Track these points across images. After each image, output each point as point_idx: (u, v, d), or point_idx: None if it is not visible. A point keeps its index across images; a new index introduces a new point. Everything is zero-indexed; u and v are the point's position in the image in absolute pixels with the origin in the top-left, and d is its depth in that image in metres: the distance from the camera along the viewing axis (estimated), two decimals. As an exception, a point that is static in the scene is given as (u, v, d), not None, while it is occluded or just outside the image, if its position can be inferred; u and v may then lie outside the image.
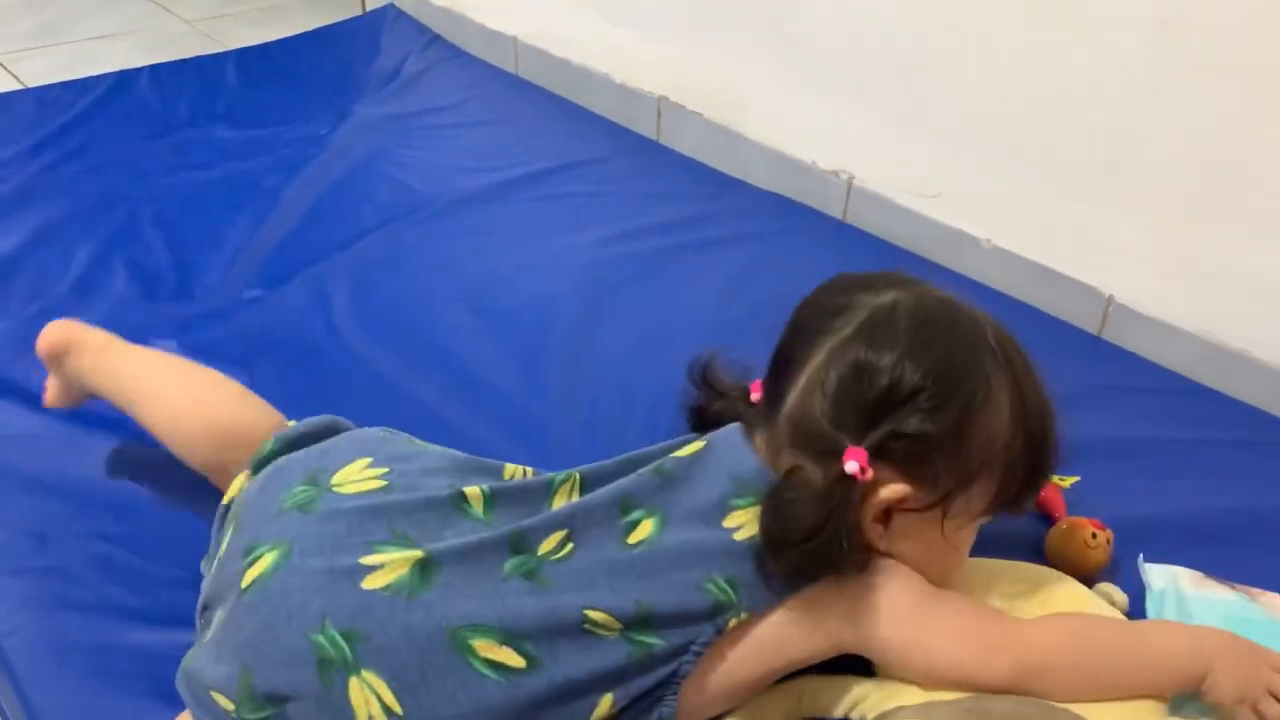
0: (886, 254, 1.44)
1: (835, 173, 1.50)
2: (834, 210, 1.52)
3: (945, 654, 0.70)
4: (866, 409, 0.69)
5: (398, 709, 0.63)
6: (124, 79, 1.82)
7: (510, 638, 0.65)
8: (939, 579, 0.74)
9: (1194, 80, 1.15)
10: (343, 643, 0.64)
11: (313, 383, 1.13)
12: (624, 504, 0.72)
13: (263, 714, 0.64)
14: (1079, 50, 1.23)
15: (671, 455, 0.76)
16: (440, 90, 1.85)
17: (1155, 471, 1.07)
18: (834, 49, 1.47)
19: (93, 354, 0.94)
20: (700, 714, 0.72)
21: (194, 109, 1.74)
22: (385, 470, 0.74)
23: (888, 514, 0.72)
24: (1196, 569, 0.93)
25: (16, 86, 1.86)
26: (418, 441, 0.82)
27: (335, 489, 0.72)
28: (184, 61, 1.90)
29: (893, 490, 0.70)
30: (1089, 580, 0.90)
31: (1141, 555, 0.93)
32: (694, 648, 0.68)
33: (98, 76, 1.82)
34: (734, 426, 0.78)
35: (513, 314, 1.26)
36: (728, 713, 0.73)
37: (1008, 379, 0.73)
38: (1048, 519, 0.98)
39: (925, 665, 0.71)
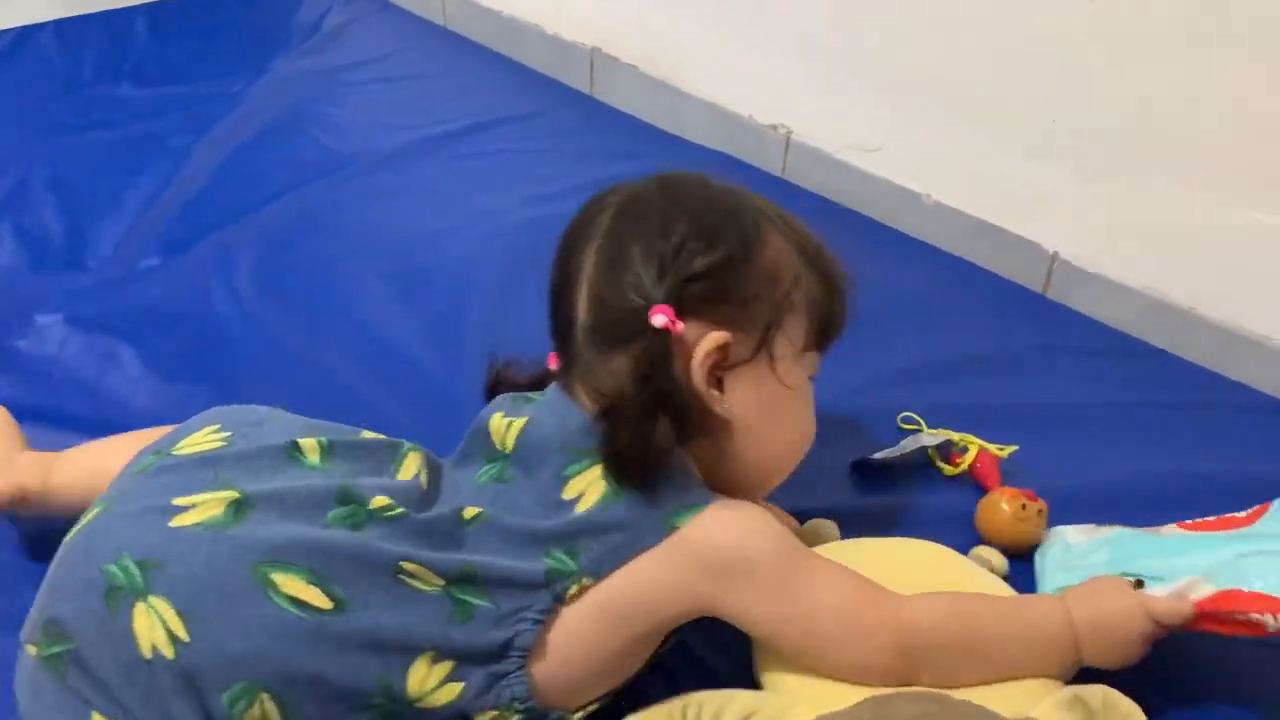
0: (826, 210, 1.38)
1: (774, 127, 1.44)
2: (773, 166, 1.45)
3: (825, 639, 0.67)
4: (649, 276, 0.69)
5: (184, 636, 0.60)
6: (25, 34, 1.71)
7: (318, 578, 0.62)
8: (789, 431, 0.75)
9: (1138, 36, 1.10)
10: (135, 570, 0.61)
11: (209, 358, 1.06)
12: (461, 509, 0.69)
13: (54, 649, 0.62)
14: (1027, 3, 1.17)
15: (502, 449, 0.71)
16: (364, 44, 1.77)
17: (1098, 437, 1.03)
18: (770, -3, 1.41)
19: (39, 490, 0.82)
20: (569, 694, 0.67)
21: (99, 66, 1.64)
22: (230, 434, 0.70)
23: (718, 376, 0.70)
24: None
25: (-89, 43, 1.75)
26: (285, 414, 0.76)
27: (174, 453, 0.69)
28: (90, 16, 1.79)
29: (712, 339, 0.69)
30: (1022, 554, 0.86)
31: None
32: (528, 614, 0.65)
33: (-2, 31, 1.71)
34: (551, 388, 0.74)
35: (429, 281, 1.19)
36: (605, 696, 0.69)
37: (775, 222, 0.75)
38: (981, 489, 0.94)
39: (800, 644, 0.68)
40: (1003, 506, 0.88)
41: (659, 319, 0.67)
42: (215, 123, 1.48)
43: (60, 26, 1.74)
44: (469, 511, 0.67)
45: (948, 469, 0.97)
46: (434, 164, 1.45)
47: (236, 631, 0.60)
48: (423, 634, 0.63)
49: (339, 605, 0.61)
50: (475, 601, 0.64)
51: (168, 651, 0.59)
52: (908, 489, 0.95)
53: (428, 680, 0.63)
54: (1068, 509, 0.93)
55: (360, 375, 1.05)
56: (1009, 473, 0.96)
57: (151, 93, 1.57)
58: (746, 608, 0.67)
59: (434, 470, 0.73)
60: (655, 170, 1.51)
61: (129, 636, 0.60)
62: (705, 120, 1.51)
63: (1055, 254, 1.22)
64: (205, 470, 0.66)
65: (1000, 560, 0.86)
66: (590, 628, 0.66)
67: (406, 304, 1.15)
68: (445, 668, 0.63)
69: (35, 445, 0.88)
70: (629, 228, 0.71)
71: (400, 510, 0.66)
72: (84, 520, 0.67)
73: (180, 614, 0.60)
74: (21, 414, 0.96)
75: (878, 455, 0.96)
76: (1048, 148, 1.21)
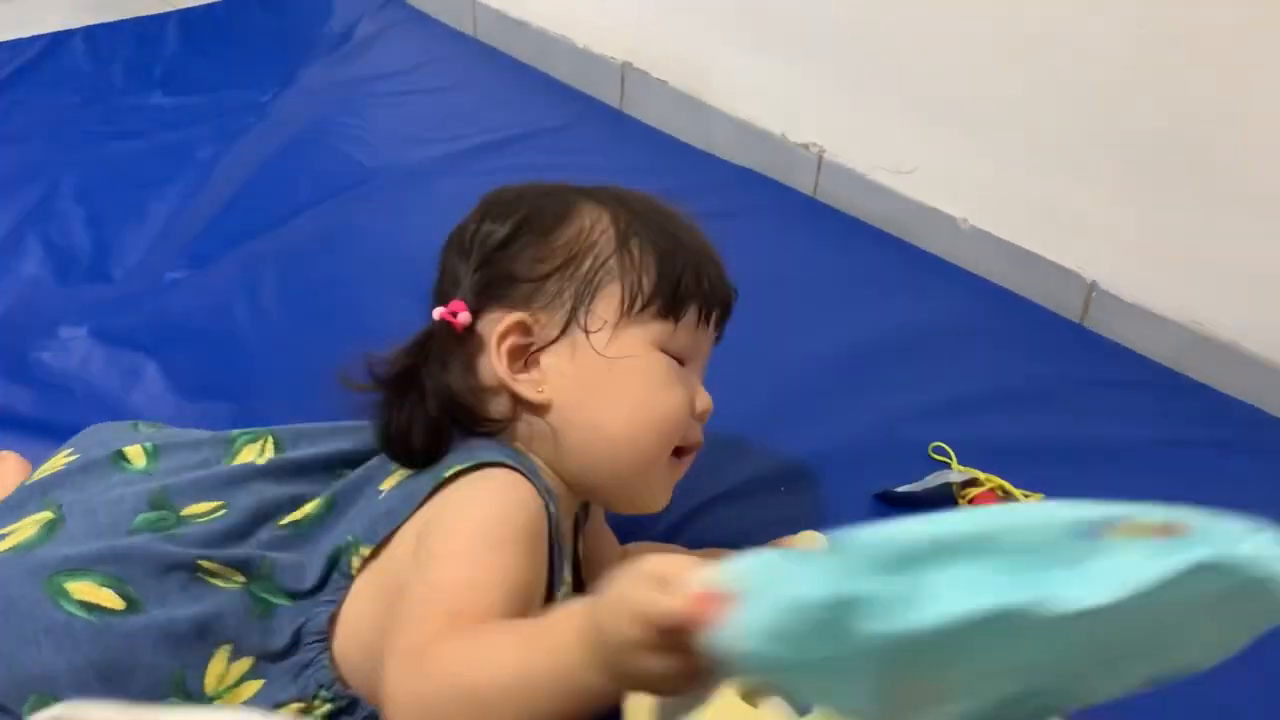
0: (857, 231, 1.36)
1: (805, 146, 1.42)
2: (804, 185, 1.43)
3: (403, 614, 0.58)
4: (460, 269, 0.71)
5: None
6: (56, 41, 1.71)
7: (113, 580, 0.61)
8: (619, 404, 0.69)
9: (1182, 64, 1.08)
10: None
11: (233, 373, 1.05)
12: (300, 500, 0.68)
13: None
14: (1067, 26, 1.15)
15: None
16: (394, 54, 1.76)
17: (1134, 474, 1.01)
18: (805, 15, 1.38)
19: None
20: (375, 677, 0.59)
21: (129, 73, 1.64)
22: (77, 456, 0.72)
23: (524, 357, 0.69)
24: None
25: (-58, 48, 1.75)
26: (144, 426, 0.78)
27: (30, 480, 0.71)
28: (121, 23, 1.79)
29: (505, 321, 0.68)
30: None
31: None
32: (323, 596, 0.63)
33: (28, 39, 1.71)
34: None
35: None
36: None
37: (603, 198, 0.73)
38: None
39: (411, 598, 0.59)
40: None
41: (436, 311, 0.69)
42: (243, 133, 1.47)
43: (90, 33, 1.74)
44: (307, 506, 0.67)
45: (963, 504, 0.94)
46: (462, 178, 1.43)
47: (25, 646, 0.60)
48: (220, 628, 0.62)
49: (132, 605, 0.61)
50: (274, 600, 0.63)
51: None
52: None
53: (225, 678, 0.62)
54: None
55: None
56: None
57: (180, 101, 1.56)
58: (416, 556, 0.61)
59: (280, 450, 0.72)
60: (681, 186, 1.51)
61: None
62: (735, 137, 1.49)
63: (1094, 283, 1.20)
64: (38, 494, 0.68)
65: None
66: (374, 600, 0.63)
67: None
68: (244, 664, 0.62)
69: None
70: (452, 234, 0.75)
71: (217, 515, 0.66)
72: None
73: None
74: (43, 428, 0.95)
75: (902, 488, 0.94)
76: (1088, 174, 1.18)
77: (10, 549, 0.64)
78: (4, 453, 0.90)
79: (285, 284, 1.18)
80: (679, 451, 0.72)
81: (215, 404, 1.00)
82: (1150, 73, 1.10)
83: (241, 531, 0.65)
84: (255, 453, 0.71)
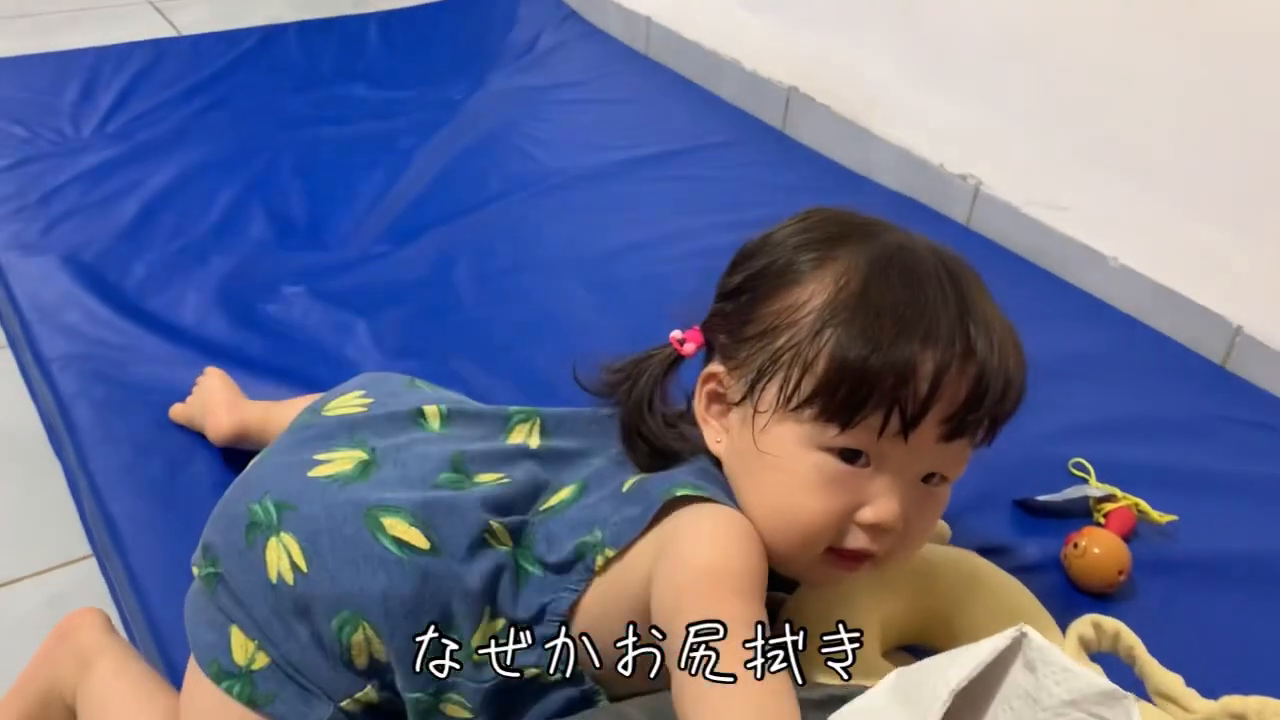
0: (1009, 262, 1.42)
1: (963, 177, 1.49)
2: (958, 215, 1.50)
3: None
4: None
5: (304, 568, 0.69)
6: (271, 33, 1.89)
7: (419, 522, 0.69)
8: (765, 495, 0.67)
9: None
10: (273, 510, 0.71)
11: (428, 337, 1.17)
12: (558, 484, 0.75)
13: (208, 570, 0.73)
14: (1235, 70, 1.19)
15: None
16: (572, 66, 1.88)
17: (1260, 507, 1.04)
18: (968, 49, 1.45)
19: (259, 430, 0.95)
20: (606, 662, 0.68)
21: (336, 66, 1.80)
22: (371, 400, 0.80)
23: (721, 404, 0.70)
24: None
25: (172, 33, 1.94)
26: (420, 384, 0.86)
27: (324, 413, 0.79)
28: (329, 20, 1.96)
29: (707, 369, 0.71)
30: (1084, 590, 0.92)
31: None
32: (567, 585, 0.69)
33: (247, 29, 1.89)
34: None
35: (624, 291, 1.28)
36: None
37: (850, 265, 0.66)
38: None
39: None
40: (1067, 544, 0.94)
41: (674, 333, 0.74)
42: (437, 128, 1.61)
43: (302, 28, 1.92)
44: (563, 491, 0.73)
45: (1099, 518, 1.00)
46: (631, 184, 1.54)
47: (347, 565, 0.68)
48: (491, 587, 0.68)
49: (434, 548, 0.68)
50: (530, 569, 0.70)
51: (289, 579, 0.68)
52: (1061, 530, 0.98)
53: (489, 631, 0.69)
54: (1236, 574, 0.96)
55: (560, 371, 1.13)
56: (1169, 533, 0.99)
57: (381, 95, 1.71)
58: (655, 579, 0.64)
59: (546, 435, 0.78)
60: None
61: (262, 565, 0.69)
62: (894, 164, 1.56)
63: (1239, 327, 1.24)
64: (345, 432, 0.76)
65: (944, 528, 0.90)
66: (608, 600, 0.68)
67: (603, 311, 1.24)
68: (499, 624, 0.69)
69: (277, 398, 1.00)
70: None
71: (501, 480, 0.73)
72: (250, 465, 0.78)
73: (303, 549, 0.69)
74: (269, 370, 1.09)
75: (1041, 498, 1.01)
76: (1239, 220, 1.22)
77: (330, 478, 0.72)
78: (209, 369, 1.03)
79: (474, 265, 1.31)
80: (841, 553, 0.67)
81: (416, 362, 1.12)
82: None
83: (518, 504, 0.72)
84: (526, 433, 0.78)
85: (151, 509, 0.93)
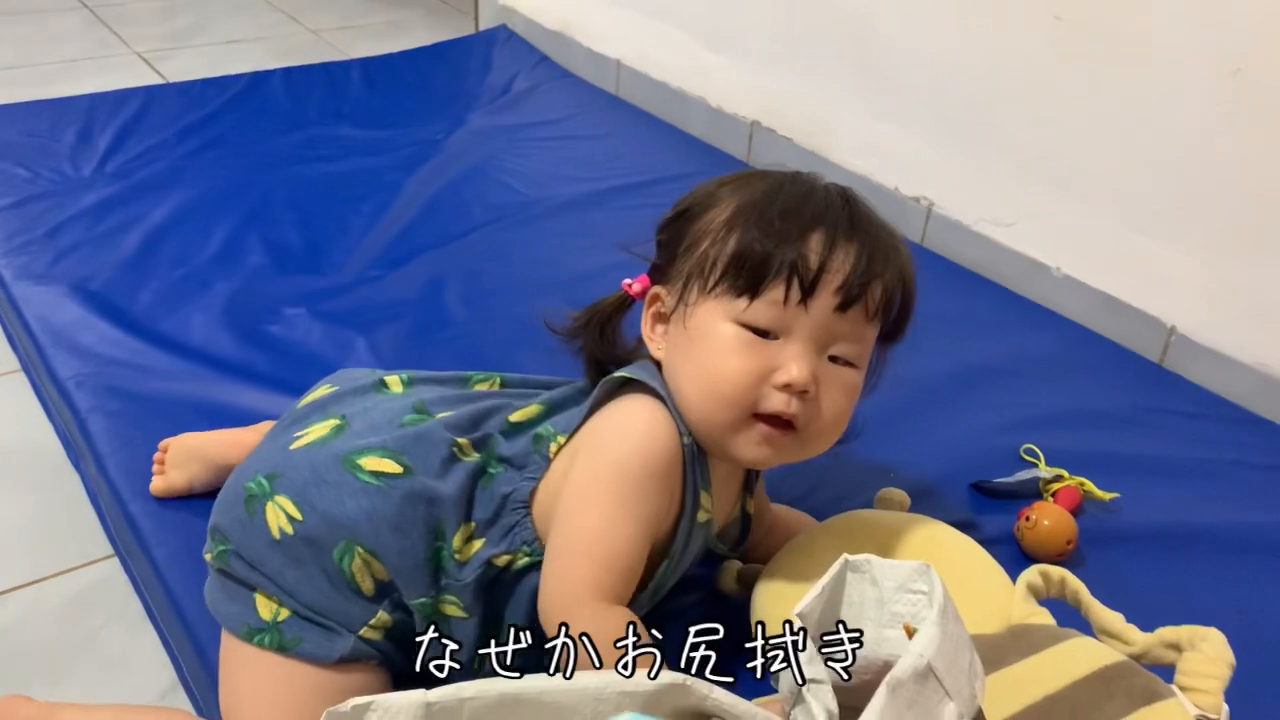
0: (961, 276, 1.52)
1: (916, 199, 1.59)
2: (913, 234, 1.60)
3: (563, 541, 0.77)
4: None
5: (299, 516, 0.78)
6: (258, 79, 1.97)
7: (392, 453, 0.79)
8: (690, 367, 0.78)
9: (1263, 124, 1.22)
10: (265, 481, 0.80)
11: (423, 352, 1.25)
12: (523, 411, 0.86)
13: (219, 549, 0.81)
14: (1152, 90, 1.30)
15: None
16: (546, 106, 1.98)
17: (1196, 488, 1.14)
18: (917, 80, 1.56)
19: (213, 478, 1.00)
20: None
21: (322, 109, 1.89)
22: (337, 387, 0.90)
23: (663, 323, 0.82)
24: (1231, 579, 0.99)
25: (159, 81, 2.02)
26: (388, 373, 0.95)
27: (298, 406, 0.89)
28: (313, 66, 2.05)
29: (649, 294, 0.84)
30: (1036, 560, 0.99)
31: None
32: (526, 473, 0.81)
33: (234, 76, 1.98)
34: None
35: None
36: None
37: (748, 187, 0.80)
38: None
39: (559, 535, 0.77)
40: (1020, 516, 1.03)
41: (625, 280, 0.86)
42: (422, 163, 1.70)
43: (288, 73, 2.00)
44: (528, 409, 0.85)
45: (1048, 497, 1.09)
46: (605, 211, 1.63)
47: (335, 504, 0.77)
48: (464, 495, 0.79)
49: (407, 470, 0.78)
50: (493, 470, 0.81)
51: (290, 529, 0.77)
52: (1012, 509, 1.07)
53: (467, 534, 0.79)
54: (1173, 543, 1.05)
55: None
56: (1112, 508, 1.08)
57: (367, 134, 1.80)
58: (573, 468, 0.78)
59: (506, 386, 0.91)
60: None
61: (264, 527, 0.78)
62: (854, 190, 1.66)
63: (1173, 328, 1.34)
64: (317, 411, 0.86)
65: (902, 496, 1.00)
66: (564, 478, 0.79)
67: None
68: (472, 527, 0.79)
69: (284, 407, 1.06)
70: None
71: (458, 412, 0.84)
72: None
73: (295, 502, 0.78)
74: (278, 383, 1.16)
75: (996, 480, 1.09)
76: (1171, 228, 1.33)
77: (309, 443, 0.81)
78: (163, 443, 1.04)
79: (463, 286, 1.39)
80: (765, 418, 0.77)
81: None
82: (1232, 135, 1.25)
83: (479, 420, 0.84)
84: (487, 384, 0.92)
85: (168, 507, 1.00)
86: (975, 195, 1.53)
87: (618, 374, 0.82)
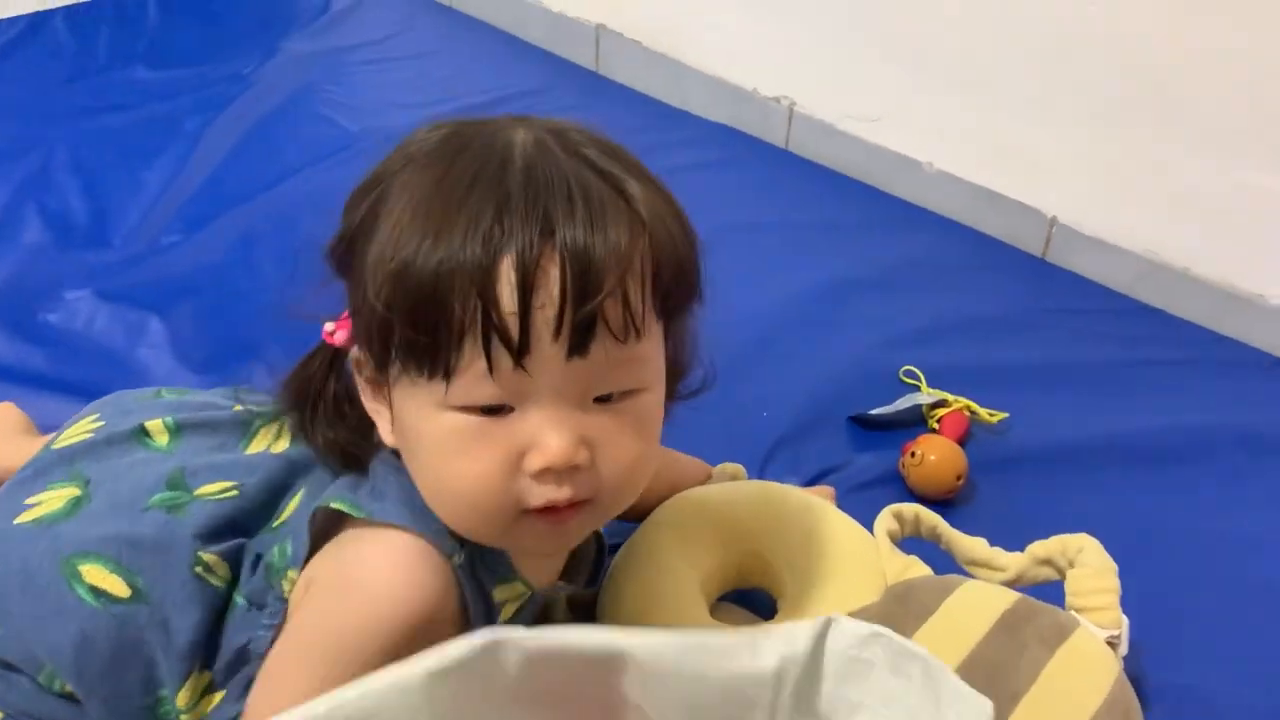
0: (830, 180, 1.42)
1: (776, 99, 1.47)
2: (776, 138, 1.48)
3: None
4: None
5: None
6: (37, 21, 1.73)
7: (121, 568, 0.62)
8: (427, 479, 0.58)
9: (1130, 6, 1.13)
10: None
11: (231, 330, 1.09)
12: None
13: None
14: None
15: None
16: (371, 24, 1.79)
17: (1097, 393, 1.07)
18: (771, -31, 1.43)
19: None
20: None
21: (112, 49, 1.67)
22: (103, 424, 0.71)
23: (378, 388, 0.59)
24: (1131, 494, 0.92)
25: (-75, 30, 1.77)
26: (166, 394, 0.77)
27: (54, 447, 0.70)
28: (103, 1, 1.82)
29: (354, 351, 0.60)
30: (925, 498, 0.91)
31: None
32: (265, 616, 0.63)
33: (9, 19, 1.74)
34: None
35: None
36: None
37: (426, 182, 0.54)
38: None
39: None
40: (904, 453, 0.94)
41: (326, 324, 0.63)
42: (228, 104, 1.51)
43: (71, 12, 1.77)
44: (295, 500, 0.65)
45: (932, 425, 1.00)
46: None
47: (32, 625, 0.61)
48: (201, 636, 0.62)
49: (137, 594, 0.61)
50: (238, 601, 0.63)
51: None
52: (897, 441, 0.97)
53: (194, 689, 0.62)
54: (1069, 461, 0.97)
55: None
56: (1001, 430, 0.99)
57: (164, 75, 1.59)
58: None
59: (296, 439, 0.68)
60: (658, 143, 1.55)
61: None
62: (709, 94, 1.53)
63: (1054, 219, 1.25)
64: (64, 465, 0.68)
65: (737, 468, 0.87)
66: None
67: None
68: (205, 679, 0.63)
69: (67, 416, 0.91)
70: None
71: (227, 492, 0.64)
72: None
73: None
74: (54, 385, 1.00)
75: (875, 411, 1.00)
76: (1046, 114, 1.23)
77: (35, 520, 0.64)
78: (3, 404, 0.94)
79: (276, 243, 1.22)
80: (540, 512, 0.56)
81: (217, 355, 1.05)
82: (1105, 13, 1.15)
83: (242, 521, 0.64)
84: (271, 437, 0.70)
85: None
86: (838, 91, 1.41)
87: (332, 503, 0.60)
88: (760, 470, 0.94)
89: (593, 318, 0.52)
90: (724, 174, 1.42)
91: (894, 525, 0.78)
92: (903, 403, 1.00)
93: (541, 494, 0.55)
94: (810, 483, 0.94)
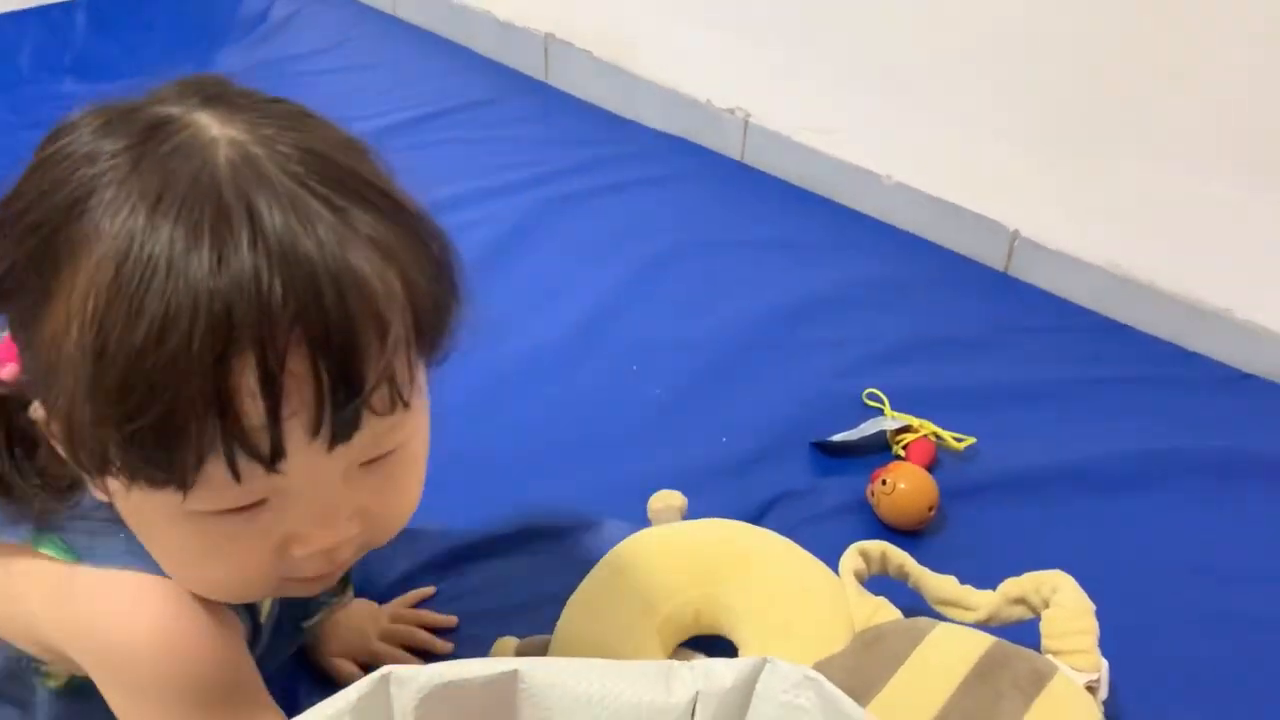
0: (787, 194, 1.38)
1: (731, 110, 1.43)
2: (732, 151, 1.44)
3: None
4: None
5: None
6: (-42, 30, 1.66)
7: None
8: (176, 573, 0.51)
9: (1096, 11, 1.10)
10: None
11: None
12: None
13: None
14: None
15: None
16: (310, 34, 1.73)
17: (1064, 414, 1.03)
18: (724, -22, 1.39)
19: None
20: None
21: (37, 62, 1.59)
22: None
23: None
24: (1103, 523, 0.89)
25: None
26: None
27: None
28: (26, 11, 1.74)
29: (33, 408, 0.48)
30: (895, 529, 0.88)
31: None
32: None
33: (-71, 29, 1.66)
34: None
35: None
36: None
37: (147, 207, 0.43)
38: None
39: None
40: (874, 481, 0.90)
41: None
42: (160, 118, 1.44)
43: (-6, 22, 1.69)
44: None
45: (898, 451, 0.96)
46: (387, 154, 1.42)
47: None
48: None
49: None
50: None
51: None
52: (862, 468, 0.94)
53: None
54: (1038, 490, 0.94)
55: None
56: (968, 457, 0.96)
57: (94, 89, 1.50)
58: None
59: None
60: (611, 156, 1.51)
61: None
62: (662, 105, 1.49)
63: (1016, 232, 1.22)
64: None
65: (681, 500, 0.81)
66: None
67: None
68: None
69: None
70: None
71: None
72: None
73: None
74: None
75: (837, 436, 0.96)
76: (1007, 126, 1.20)
77: None
78: None
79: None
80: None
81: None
82: (1068, 24, 1.13)
83: None
84: None
85: None
86: (794, 102, 1.37)
87: (43, 547, 0.52)
88: (718, 498, 0.89)
89: (356, 415, 0.45)
90: (678, 188, 1.38)
91: (860, 564, 0.74)
92: (867, 427, 0.96)
93: (312, 569, 0.50)
94: (770, 510, 0.90)
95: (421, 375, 0.50)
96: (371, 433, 0.46)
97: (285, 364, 0.42)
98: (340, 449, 0.46)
